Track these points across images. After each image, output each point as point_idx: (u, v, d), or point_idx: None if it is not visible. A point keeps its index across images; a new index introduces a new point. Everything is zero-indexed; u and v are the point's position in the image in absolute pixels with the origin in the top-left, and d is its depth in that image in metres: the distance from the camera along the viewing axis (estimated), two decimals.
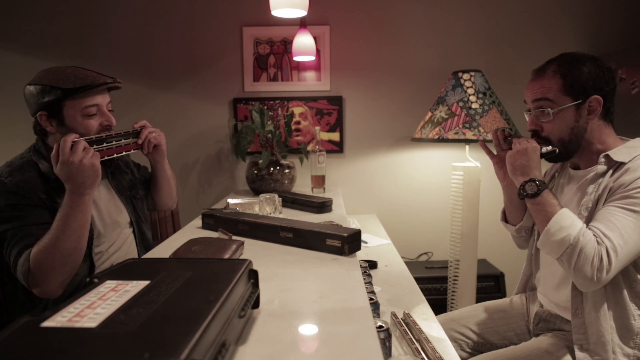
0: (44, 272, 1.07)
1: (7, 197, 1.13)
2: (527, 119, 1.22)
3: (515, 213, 1.34)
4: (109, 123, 1.25)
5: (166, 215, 2.12)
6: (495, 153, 1.31)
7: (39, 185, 1.17)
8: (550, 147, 1.16)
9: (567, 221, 1.04)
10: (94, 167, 1.10)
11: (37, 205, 1.15)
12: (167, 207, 1.61)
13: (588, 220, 1.08)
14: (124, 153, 1.30)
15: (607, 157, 1.10)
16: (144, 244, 1.43)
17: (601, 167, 1.11)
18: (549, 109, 1.13)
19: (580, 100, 1.11)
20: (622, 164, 1.07)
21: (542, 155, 1.16)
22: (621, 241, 0.99)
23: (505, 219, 1.40)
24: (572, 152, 1.16)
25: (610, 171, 1.09)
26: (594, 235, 1.01)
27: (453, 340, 1.33)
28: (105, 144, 1.22)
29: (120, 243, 1.35)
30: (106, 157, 1.23)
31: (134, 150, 1.33)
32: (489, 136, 1.81)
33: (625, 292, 1.07)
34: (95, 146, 1.17)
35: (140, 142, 1.33)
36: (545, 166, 1.33)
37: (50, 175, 1.17)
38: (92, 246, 1.24)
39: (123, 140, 1.29)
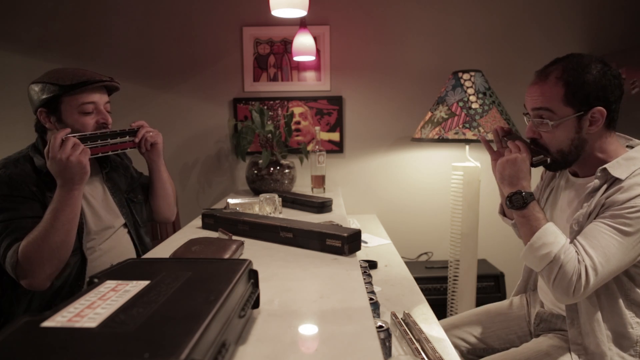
0: (33, 264, 1.10)
1: (0, 188, 1.15)
2: (527, 122, 1.16)
3: None
4: (105, 121, 1.27)
5: None
6: (495, 149, 1.28)
7: (31, 178, 1.19)
8: (541, 157, 1.12)
9: (550, 237, 1.03)
10: (81, 165, 1.12)
11: (29, 197, 1.17)
12: (164, 217, 1.55)
13: (577, 235, 1.05)
14: (119, 150, 1.31)
15: (605, 170, 1.04)
16: (142, 248, 1.43)
17: (597, 182, 1.05)
18: (549, 121, 1.07)
19: (582, 112, 1.04)
20: (618, 179, 1.02)
21: (533, 165, 1.13)
22: (603, 260, 0.97)
23: (503, 212, 1.39)
24: (571, 162, 1.12)
25: (605, 185, 1.05)
26: (576, 251, 1.00)
27: (454, 346, 1.33)
28: (100, 141, 1.24)
29: (113, 242, 1.35)
30: (100, 154, 1.25)
31: (130, 148, 1.35)
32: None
33: (620, 301, 1.06)
34: (89, 143, 1.19)
35: (137, 140, 1.35)
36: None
37: (43, 169, 1.20)
38: (82, 240, 1.24)
39: (119, 138, 1.30)
